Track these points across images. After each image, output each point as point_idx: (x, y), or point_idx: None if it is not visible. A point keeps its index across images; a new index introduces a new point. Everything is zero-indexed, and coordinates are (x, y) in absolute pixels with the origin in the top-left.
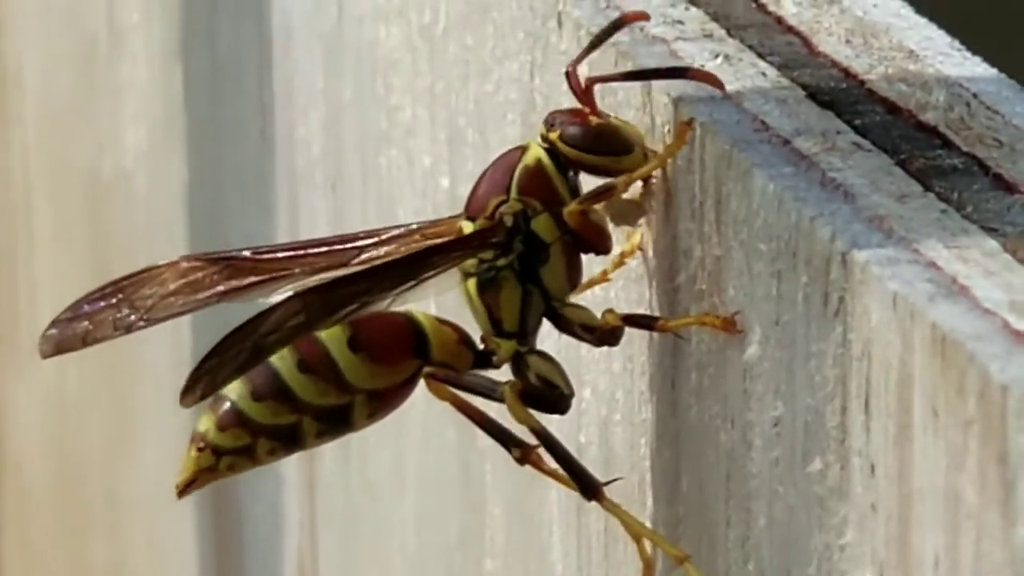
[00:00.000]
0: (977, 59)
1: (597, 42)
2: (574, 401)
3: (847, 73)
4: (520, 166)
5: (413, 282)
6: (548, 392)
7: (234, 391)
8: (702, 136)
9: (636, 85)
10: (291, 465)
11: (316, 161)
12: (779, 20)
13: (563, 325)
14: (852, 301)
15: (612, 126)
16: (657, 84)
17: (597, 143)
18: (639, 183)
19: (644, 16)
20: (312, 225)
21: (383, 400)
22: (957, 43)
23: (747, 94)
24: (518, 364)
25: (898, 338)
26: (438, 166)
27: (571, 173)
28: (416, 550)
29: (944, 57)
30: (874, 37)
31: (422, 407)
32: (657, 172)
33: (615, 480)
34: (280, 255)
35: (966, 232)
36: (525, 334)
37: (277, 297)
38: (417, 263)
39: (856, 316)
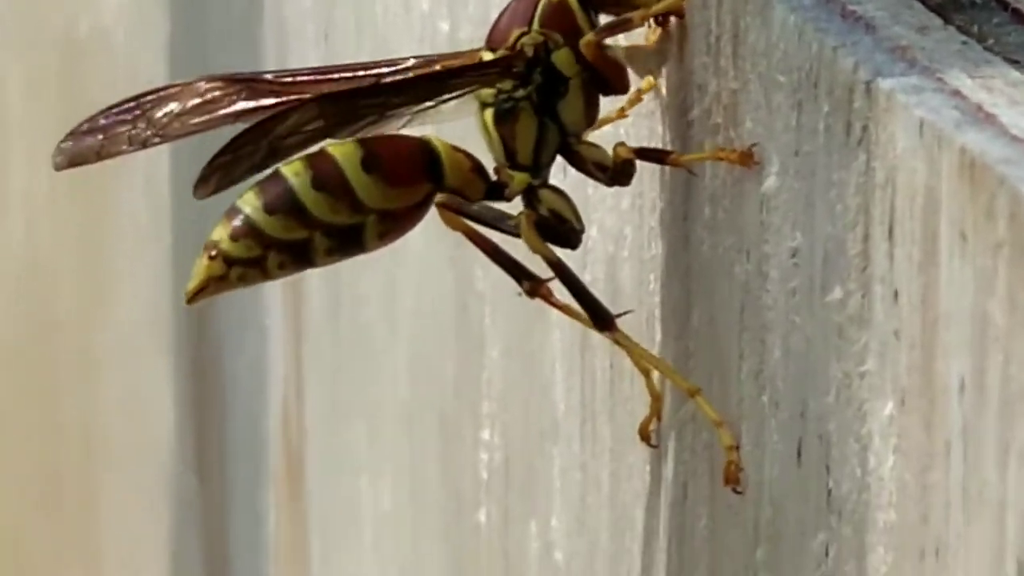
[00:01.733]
0: None
1: None
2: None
3: None
4: (543, 0)
5: (431, 102)
6: (559, 226)
7: (248, 203)
8: None
9: None
10: (277, 313)
11: (307, 12)
12: None
13: (577, 162)
14: (876, 129)
15: None
16: None
17: None
18: (658, 30)
19: None
20: None
21: (394, 221)
22: None
23: None
24: (530, 197)
25: (924, 165)
26: (437, 9)
27: (594, 13)
28: (408, 396)
29: None
30: None
31: (419, 250)
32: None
33: (626, 313)
34: (300, 79)
35: (989, 63)
36: (539, 167)
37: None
38: (437, 82)
39: (880, 144)
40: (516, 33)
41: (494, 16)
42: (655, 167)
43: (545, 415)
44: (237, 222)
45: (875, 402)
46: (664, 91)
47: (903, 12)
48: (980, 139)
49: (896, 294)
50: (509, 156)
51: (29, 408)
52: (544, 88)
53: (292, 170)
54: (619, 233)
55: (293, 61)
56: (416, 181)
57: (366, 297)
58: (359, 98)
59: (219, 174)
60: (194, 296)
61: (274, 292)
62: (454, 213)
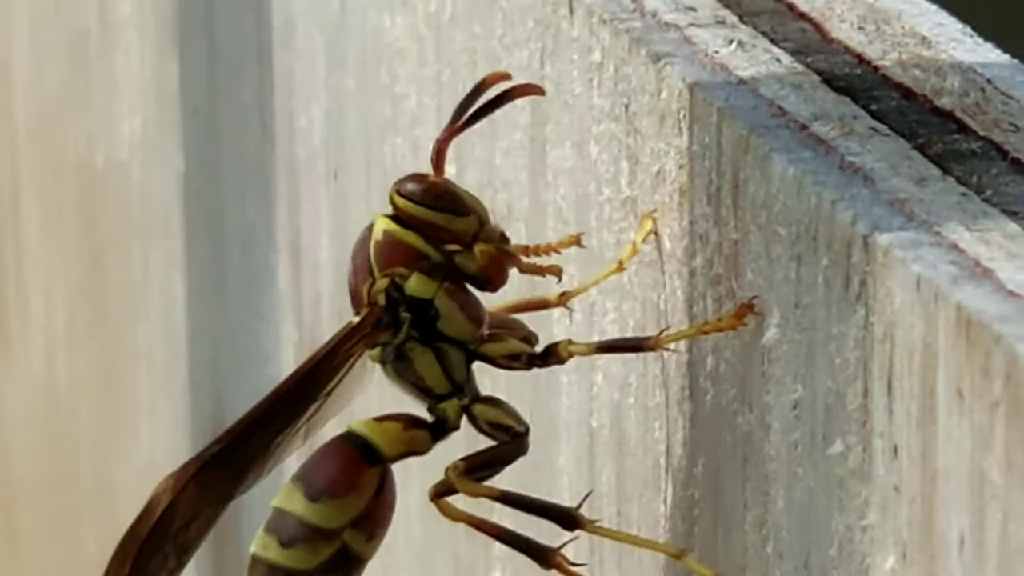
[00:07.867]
0: (989, 45)
1: (462, 110)
2: (587, 386)
3: (861, 59)
4: (371, 244)
5: (317, 402)
6: (502, 435)
7: None
8: (719, 121)
9: (650, 71)
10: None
11: (318, 151)
12: (791, 7)
13: (490, 361)
14: (874, 284)
15: (451, 188)
16: (672, 69)
17: (434, 199)
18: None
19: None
20: (314, 214)
21: (370, 520)
22: (968, 29)
23: (763, 80)
24: (469, 416)
25: (922, 320)
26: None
27: (420, 232)
28: (421, 535)
29: (956, 43)
30: (886, 23)
31: None
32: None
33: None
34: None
35: (987, 215)
36: (460, 388)
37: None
38: (311, 377)
39: (878, 299)
40: (365, 288)
41: (500, 159)
42: (663, 305)
43: None
44: None
45: (877, 555)
46: (666, 240)
47: (902, 163)
48: (976, 295)
49: (896, 449)
50: (428, 394)
51: (50, 538)
52: (417, 319)
53: (260, 546)
54: (624, 381)
55: (304, 198)
56: (361, 476)
57: None
58: (227, 456)
59: None
60: None
61: None
62: (450, 505)
